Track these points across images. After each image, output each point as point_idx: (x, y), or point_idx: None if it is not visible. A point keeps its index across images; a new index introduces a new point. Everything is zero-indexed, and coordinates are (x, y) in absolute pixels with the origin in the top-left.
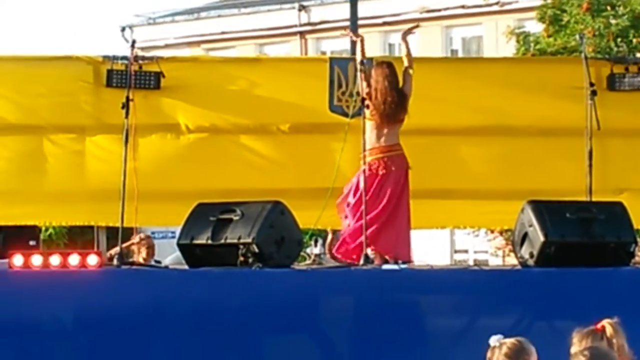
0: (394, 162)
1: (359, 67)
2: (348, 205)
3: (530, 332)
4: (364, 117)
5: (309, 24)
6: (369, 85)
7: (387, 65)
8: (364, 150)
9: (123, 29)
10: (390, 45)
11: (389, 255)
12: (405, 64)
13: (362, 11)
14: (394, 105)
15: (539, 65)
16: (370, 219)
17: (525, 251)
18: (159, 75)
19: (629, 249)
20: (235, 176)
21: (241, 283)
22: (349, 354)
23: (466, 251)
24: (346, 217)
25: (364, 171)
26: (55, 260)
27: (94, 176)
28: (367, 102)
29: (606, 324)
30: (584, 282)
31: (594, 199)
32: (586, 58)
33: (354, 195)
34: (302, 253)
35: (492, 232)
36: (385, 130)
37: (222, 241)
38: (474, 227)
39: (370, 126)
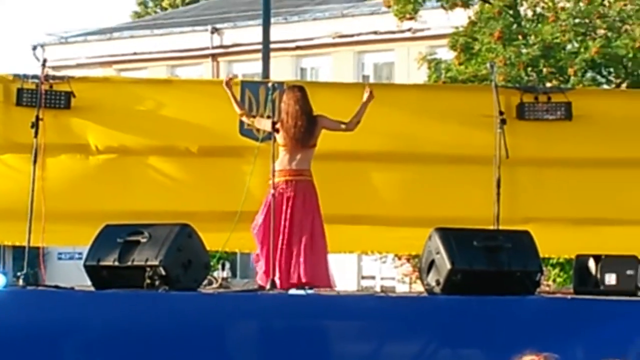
0: (301, 186)
1: (270, 90)
2: (255, 227)
3: (436, 359)
4: (274, 141)
5: (222, 46)
6: (279, 109)
7: (299, 89)
8: (273, 173)
9: (34, 48)
10: (302, 69)
11: (308, 282)
12: (347, 120)
13: (274, 35)
14: (304, 129)
15: (449, 92)
16: (284, 243)
17: (432, 278)
18: (69, 95)
19: (535, 277)
20: (144, 198)
21: (147, 306)
22: None
23: (373, 277)
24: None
25: (272, 194)
26: None
27: (1, 195)
28: (277, 125)
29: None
30: (490, 310)
31: (501, 228)
32: (496, 86)
33: (263, 217)
34: (209, 276)
35: (400, 258)
36: (296, 155)
37: (129, 263)
38: (381, 252)
39: (281, 150)
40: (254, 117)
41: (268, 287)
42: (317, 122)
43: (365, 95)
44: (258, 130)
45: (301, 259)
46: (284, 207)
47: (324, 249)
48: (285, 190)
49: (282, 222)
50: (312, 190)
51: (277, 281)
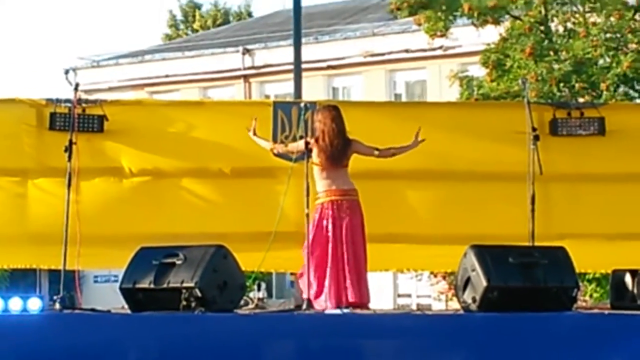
0: (350, 206)
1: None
2: (304, 247)
3: None
4: (307, 161)
5: (253, 67)
6: (314, 129)
7: (334, 108)
8: (307, 194)
9: (67, 72)
10: (334, 89)
11: (358, 302)
12: (382, 147)
13: (306, 55)
14: (340, 148)
15: (482, 109)
16: (335, 262)
17: (467, 296)
18: (102, 118)
19: (571, 293)
20: (178, 220)
21: (184, 328)
22: None
23: (409, 295)
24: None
25: (306, 213)
26: None
27: (36, 219)
28: (310, 145)
29: None
30: (526, 327)
31: (536, 244)
32: (529, 103)
33: (312, 237)
34: (244, 297)
35: (435, 276)
36: (335, 174)
37: (165, 285)
38: (417, 269)
39: (317, 170)
40: (284, 143)
41: (304, 306)
42: (351, 144)
43: (413, 140)
44: (291, 153)
45: (349, 281)
46: (328, 230)
47: (366, 270)
48: (333, 210)
49: (332, 243)
50: (360, 210)
51: (331, 302)
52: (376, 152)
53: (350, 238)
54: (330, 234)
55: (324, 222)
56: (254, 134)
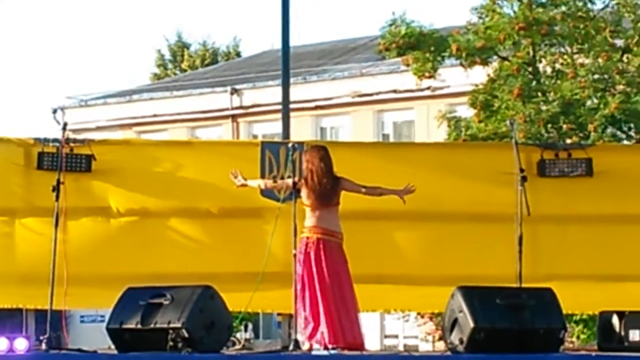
0: (334, 247)
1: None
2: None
3: None
4: (295, 201)
5: (241, 107)
6: (302, 170)
7: (322, 148)
8: (295, 232)
9: (55, 111)
10: (322, 129)
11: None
12: (369, 185)
13: (294, 94)
14: (329, 187)
15: (470, 150)
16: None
17: (455, 337)
18: (90, 158)
19: (559, 335)
20: (166, 260)
21: None
22: None
23: (396, 336)
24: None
25: (293, 254)
26: None
27: (23, 259)
28: (298, 185)
29: None
30: None
31: (524, 285)
32: (517, 144)
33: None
34: (232, 338)
35: (422, 317)
36: (324, 213)
37: (152, 326)
38: (404, 310)
39: (308, 210)
40: (274, 181)
41: (291, 347)
42: (339, 182)
43: (404, 188)
44: (279, 191)
45: (345, 322)
46: (317, 266)
47: (357, 310)
48: (314, 248)
49: (318, 281)
50: (343, 254)
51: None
52: (363, 190)
53: (338, 279)
54: (315, 271)
55: (311, 259)
56: (243, 179)
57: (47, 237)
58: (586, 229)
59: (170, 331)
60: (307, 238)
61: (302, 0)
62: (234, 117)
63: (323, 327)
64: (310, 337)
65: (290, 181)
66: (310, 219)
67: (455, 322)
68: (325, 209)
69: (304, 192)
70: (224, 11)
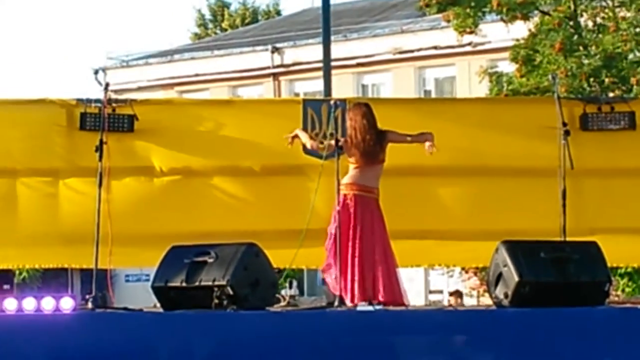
0: (368, 203)
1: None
2: (328, 241)
3: None
4: (338, 158)
5: (282, 65)
6: (342, 126)
7: (365, 105)
8: (338, 190)
9: (96, 72)
10: (363, 86)
11: (387, 301)
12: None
13: (335, 52)
14: (373, 143)
15: (512, 105)
16: (357, 258)
17: (499, 291)
18: (132, 118)
19: (604, 288)
20: (209, 218)
21: (216, 326)
22: None
23: (441, 292)
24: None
25: (337, 210)
26: (29, 304)
27: (67, 219)
28: (340, 143)
29: None
30: (559, 322)
31: (568, 239)
32: (559, 98)
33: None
34: (277, 295)
35: (467, 272)
36: (367, 170)
37: (197, 284)
38: (448, 265)
39: (352, 167)
40: (320, 142)
41: (336, 303)
42: (385, 136)
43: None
44: (324, 151)
45: (380, 279)
46: (352, 222)
47: (396, 266)
48: (352, 205)
49: (352, 237)
50: (379, 209)
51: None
52: (409, 139)
53: (372, 235)
54: (350, 226)
55: (346, 215)
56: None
57: (90, 197)
58: (629, 182)
59: (215, 289)
60: (345, 195)
61: None
62: (275, 76)
63: (352, 284)
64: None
65: (332, 142)
66: (349, 176)
67: (499, 276)
68: (370, 166)
69: (348, 150)
70: None
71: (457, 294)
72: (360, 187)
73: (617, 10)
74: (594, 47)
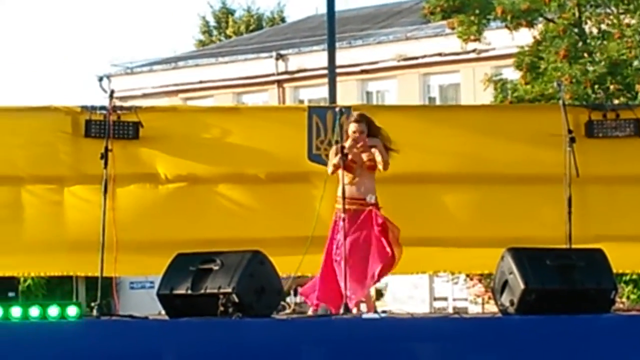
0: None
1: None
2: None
3: None
4: (343, 166)
5: (287, 72)
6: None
7: (359, 115)
8: (344, 198)
9: (100, 79)
10: (368, 93)
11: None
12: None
13: (339, 59)
14: (360, 153)
15: (517, 112)
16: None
17: (505, 299)
18: (137, 125)
19: (609, 295)
20: (215, 225)
21: (222, 333)
22: None
23: (445, 299)
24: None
25: (342, 218)
26: (34, 311)
27: (72, 226)
28: (346, 150)
29: None
30: (565, 329)
31: (573, 246)
32: (564, 105)
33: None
34: (282, 302)
35: (472, 279)
36: (359, 180)
37: (202, 291)
38: (453, 271)
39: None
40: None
41: (342, 311)
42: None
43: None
44: (327, 155)
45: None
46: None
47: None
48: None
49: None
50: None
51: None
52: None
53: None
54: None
55: (336, 231)
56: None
57: (95, 204)
58: (635, 189)
59: (221, 296)
60: (337, 209)
61: None
62: (279, 83)
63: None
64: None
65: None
66: (343, 187)
67: (505, 283)
68: (359, 175)
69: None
70: None
71: None
72: (350, 201)
73: (621, 17)
74: (598, 54)
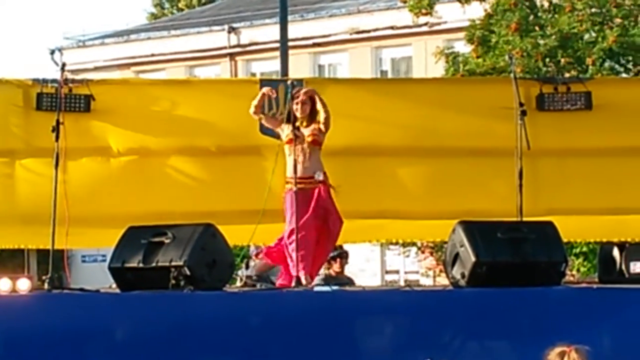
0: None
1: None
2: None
3: (462, 352)
4: (295, 139)
5: (239, 45)
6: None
7: (305, 91)
8: (295, 171)
9: (52, 52)
10: (320, 66)
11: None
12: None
13: (292, 32)
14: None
15: (468, 85)
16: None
17: (456, 271)
18: (89, 98)
19: (560, 268)
20: (166, 198)
21: (173, 306)
22: None
23: (397, 271)
24: None
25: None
26: None
27: (24, 199)
28: (297, 124)
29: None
30: (515, 301)
31: (524, 219)
32: (515, 78)
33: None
34: (233, 275)
35: (423, 252)
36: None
37: (154, 264)
38: (405, 239)
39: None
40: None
41: (293, 284)
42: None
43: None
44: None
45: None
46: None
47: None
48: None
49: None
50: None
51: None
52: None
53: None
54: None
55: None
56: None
57: (47, 177)
58: (586, 162)
59: (172, 269)
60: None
61: None
62: (231, 56)
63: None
64: None
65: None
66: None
67: (456, 256)
68: (302, 153)
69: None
70: None
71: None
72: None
73: None
74: (549, 28)
